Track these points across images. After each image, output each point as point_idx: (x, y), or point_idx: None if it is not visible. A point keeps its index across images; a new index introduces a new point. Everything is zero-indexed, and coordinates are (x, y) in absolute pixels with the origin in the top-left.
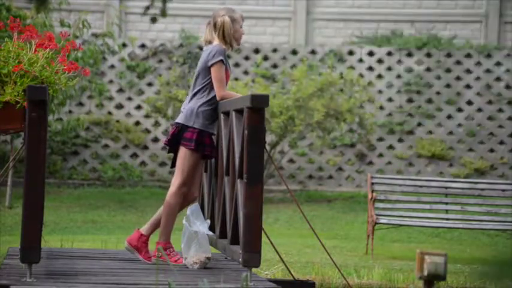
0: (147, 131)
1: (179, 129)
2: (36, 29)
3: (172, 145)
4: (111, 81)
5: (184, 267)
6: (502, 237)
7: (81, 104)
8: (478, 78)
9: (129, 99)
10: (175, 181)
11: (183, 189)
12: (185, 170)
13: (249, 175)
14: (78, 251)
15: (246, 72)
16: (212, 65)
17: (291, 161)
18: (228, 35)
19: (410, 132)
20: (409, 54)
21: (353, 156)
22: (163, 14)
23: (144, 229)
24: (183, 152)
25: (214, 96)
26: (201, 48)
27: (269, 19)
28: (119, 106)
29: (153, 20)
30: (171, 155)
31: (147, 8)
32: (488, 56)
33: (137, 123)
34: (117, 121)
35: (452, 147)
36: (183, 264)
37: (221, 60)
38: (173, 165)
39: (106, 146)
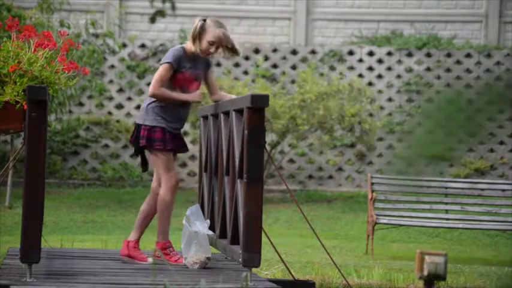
0: None
1: (136, 129)
2: (36, 29)
3: (135, 144)
4: (111, 81)
5: (184, 267)
6: (502, 237)
7: (81, 104)
8: (478, 78)
9: (129, 99)
10: (162, 180)
11: (172, 182)
12: (160, 167)
13: (249, 175)
14: (78, 251)
15: (246, 72)
16: (161, 64)
17: (291, 161)
18: (193, 35)
19: (410, 132)
20: (409, 54)
21: (353, 156)
22: (163, 14)
23: (131, 236)
24: (150, 153)
25: None
26: None
27: (269, 19)
28: (119, 106)
29: (152, 20)
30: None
31: (159, 12)
32: (488, 56)
33: None
34: (117, 121)
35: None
36: (183, 264)
37: (167, 63)
38: (144, 167)
39: (106, 146)
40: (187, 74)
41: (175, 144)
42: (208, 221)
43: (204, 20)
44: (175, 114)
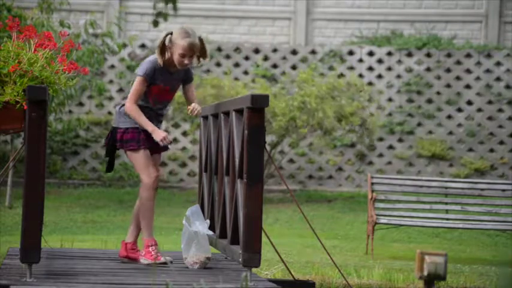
0: None
1: (111, 132)
2: (37, 29)
3: (108, 146)
4: (111, 81)
5: (184, 267)
6: (502, 237)
7: (81, 104)
8: (478, 78)
9: None
10: (141, 178)
11: (151, 180)
12: (138, 166)
13: (249, 175)
14: (78, 251)
15: (246, 72)
16: (136, 75)
17: (291, 161)
18: (158, 47)
19: (411, 132)
20: (409, 54)
21: (353, 156)
22: (165, 17)
23: (128, 238)
24: (128, 155)
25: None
26: None
27: (269, 19)
28: None
29: (155, 23)
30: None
31: (158, 14)
32: (488, 56)
33: None
34: None
35: (452, 147)
36: (160, 261)
37: (141, 76)
38: (109, 168)
39: None
40: (161, 86)
41: (150, 142)
42: (208, 221)
43: (171, 33)
44: (147, 116)
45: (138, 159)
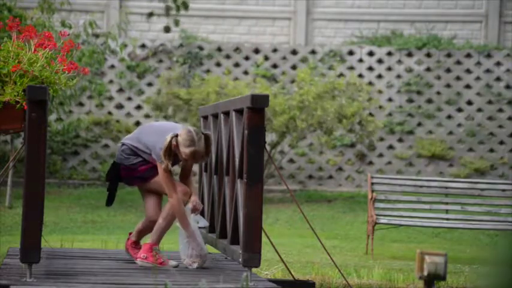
0: None
1: (114, 166)
2: (37, 29)
3: (112, 181)
4: (111, 81)
5: (184, 267)
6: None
7: (81, 104)
8: (478, 78)
9: (129, 99)
10: (170, 196)
11: (181, 191)
12: (165, 185)
13: (249, 175)
14: (78, 251)
15: (246, 72)
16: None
17: (291, 161)
18: (164, 152)
19: (410, 132)
20: (409, 54)
21: (353, 156)
22: (176, 23)
23: (132, 235)
24: (151, 184)
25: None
26: (201, 48)
27: (269, 19)
28: (119, 106)
29: (167, 29)
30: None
31: (167, 11)
32: (488, 56)
33: (137, 123)
34: (117, 121)
35: (452, 147)
36: (166, 266)
37: (160, 163)
38: (110, 202)
39: (106, 146)
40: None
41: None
42: (197, 216)
43: (177, 136)
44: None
45: (164, 179)
